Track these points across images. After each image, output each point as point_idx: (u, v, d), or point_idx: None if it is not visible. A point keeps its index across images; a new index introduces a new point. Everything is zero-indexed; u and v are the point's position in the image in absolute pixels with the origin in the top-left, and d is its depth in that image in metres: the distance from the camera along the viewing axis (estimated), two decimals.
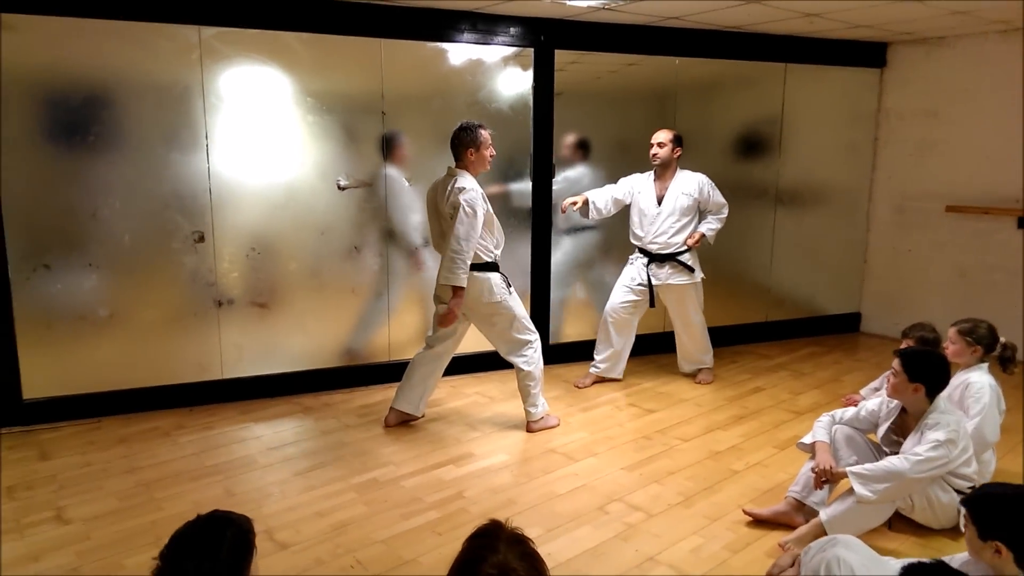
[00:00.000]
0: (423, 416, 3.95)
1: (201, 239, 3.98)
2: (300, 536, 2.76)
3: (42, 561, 2.58)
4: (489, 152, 3.62)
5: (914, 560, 1.56)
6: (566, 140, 4.81)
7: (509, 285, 3.70)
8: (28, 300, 3.69)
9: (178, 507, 2.93)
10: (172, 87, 3.82)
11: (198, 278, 4.02)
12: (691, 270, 4.41)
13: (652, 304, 4.45)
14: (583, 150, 4.89)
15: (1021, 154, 4.94)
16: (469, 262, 3.46)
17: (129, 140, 3.78)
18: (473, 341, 4.09)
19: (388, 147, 4.33)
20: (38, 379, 3.78)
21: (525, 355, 3.76)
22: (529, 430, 3.82)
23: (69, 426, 3.80)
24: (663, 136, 4.34)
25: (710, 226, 4.39)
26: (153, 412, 3.98)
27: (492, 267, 3.64)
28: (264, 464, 3.40)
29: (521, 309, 3.77)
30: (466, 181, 3.52)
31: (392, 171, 4.35)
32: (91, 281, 3.81)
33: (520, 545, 1.41)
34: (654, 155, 4.33)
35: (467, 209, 3.42)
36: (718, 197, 4.39)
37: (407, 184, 4.39)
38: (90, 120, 3.69)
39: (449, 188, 3.53)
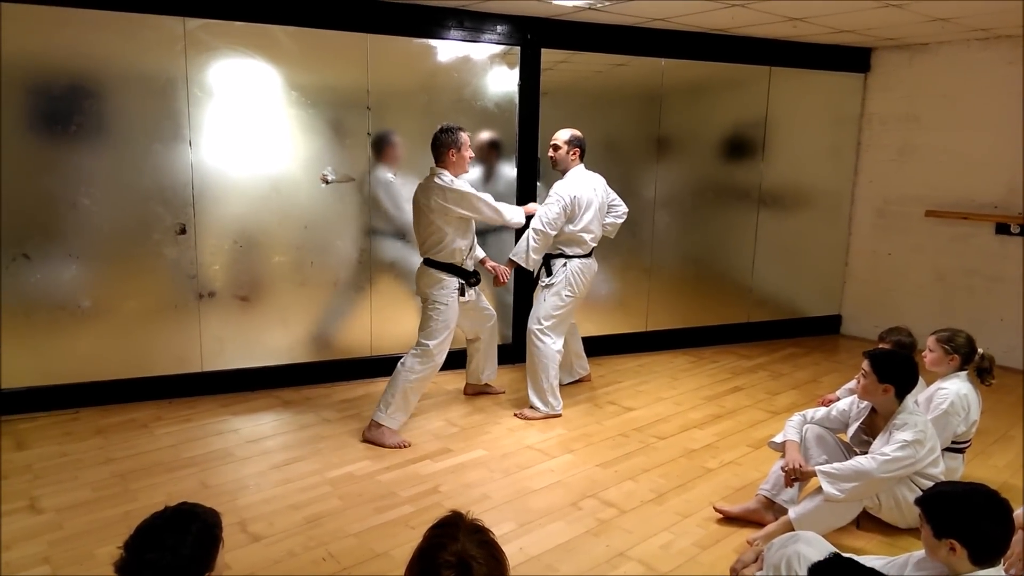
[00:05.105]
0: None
1: (183, 231, 3.98)
2: (273, 528, 2.77)
3: (12, 550, 2.58)
4: (468, 154, 3.65)
5: (820, 559, 1.58)
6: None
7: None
8: (7, 289, 3.67)
9: (152, 498, 2.93)
10: (156, 78, 3.81)
11: (179, 270, 4.01)
12: (549, 274, 4.02)
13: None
14: None
15: (999, 161, 5.01)
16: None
17: (111, 130, 3.77)
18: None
19: (378, 147, 4.36)
20: (16, 369, 3.77)
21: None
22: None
23: (47, 416, 3.79)
24: (559, 137, 3.99)
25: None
26: (132, 404, 3.98)
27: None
28: (241, 457, 3.41)
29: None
30: (447, 176, 3.57)
31: (380, 168, 4.38)
32: (71, 271, 3.80)
33: (479, 534, 1.44)
34: (551, 158, 4.04)
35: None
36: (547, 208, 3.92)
37: (392, 177, 4.41)
38: (72, 110, 3.68)
39: (430, 185, 3.57)
